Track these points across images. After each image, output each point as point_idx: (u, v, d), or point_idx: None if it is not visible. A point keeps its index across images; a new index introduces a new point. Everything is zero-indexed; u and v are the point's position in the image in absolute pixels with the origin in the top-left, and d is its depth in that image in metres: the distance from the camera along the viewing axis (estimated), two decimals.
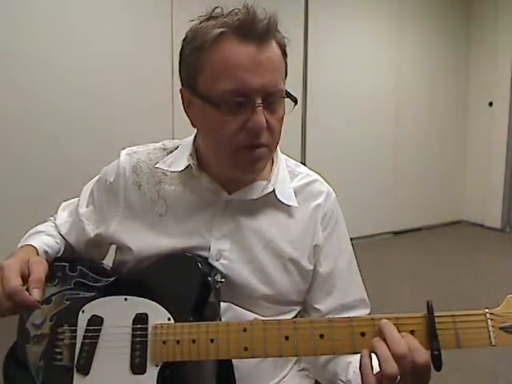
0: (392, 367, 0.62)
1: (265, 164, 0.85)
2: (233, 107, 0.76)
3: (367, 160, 4.36)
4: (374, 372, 0.65)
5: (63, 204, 1.06)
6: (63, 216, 1.02)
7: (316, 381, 0.99)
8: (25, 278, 0.78)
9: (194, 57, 0.78)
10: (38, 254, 0.88)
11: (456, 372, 2.17)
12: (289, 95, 0.81)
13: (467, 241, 4.56)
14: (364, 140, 4.32)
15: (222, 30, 0.75)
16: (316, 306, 0.92)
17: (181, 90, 0.84)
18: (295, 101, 0.82)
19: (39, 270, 0.80)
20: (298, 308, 0.94)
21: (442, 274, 3.52)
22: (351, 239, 0.97)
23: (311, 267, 0.91)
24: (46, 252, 0.91)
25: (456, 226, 5.01)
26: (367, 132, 4.33)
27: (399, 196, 4.60)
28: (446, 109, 4.89)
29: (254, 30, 0.74)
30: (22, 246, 0.90)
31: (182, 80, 0.84)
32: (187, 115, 0.86)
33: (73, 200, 1.04)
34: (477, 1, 4.83)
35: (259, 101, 0.75)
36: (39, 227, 1.00)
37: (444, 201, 4.97)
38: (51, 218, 1.05)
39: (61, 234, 0.99)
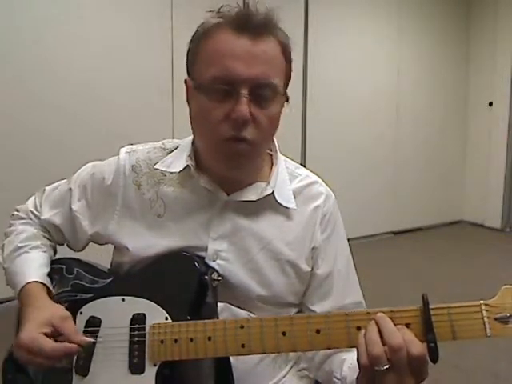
0: (377, 350, 0.63)
1: (250, 161, 0.83)
2: (219, 94, 0.77)
3: (367, 160, 4.36)
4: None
5: (37, 195, 1.01)
6: (46, 209, 0.98)
7: (316, 381, 0.99)
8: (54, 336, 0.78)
9: (193, 46, 0.82)
10: (45, 284, 0.87)
11: (456, 372, 2.17)
12: (277, 91, 0.80)
13: (467, 241, 4.55)
14: (364, 140, 4.32)
15: (218, 20, 0.78)
16: (312, 308, 0.92)
17: (185, 79, 0.86)
18: (286, 99, 0.83)
19: (69, 325, 0.79)
20: (295, 310, 0.94)
21: (442, 273, 3.52)
22: (351, 239, 0.97)
23: (309, 269, 0.91)
24: (48, 274, 0.90)
25: (456, 226, 5.01)
26: (367, 132, 4.33)
27: (399, 196, 4.60)
28: (446, 109, 4.88)
29: (249, 23, 0.76)
30: (26, 287, 0.86)
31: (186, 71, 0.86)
32: (189, 107, 0.86)
33: (49, 188, 1.00)
34: (477, 1, 4.83)
35: (245, 91, 0.76)
36: (21, 238, 0.94)
37: (444, 201, 4.97)
38: (18, 213, 1.00)
39: (46, 232, 0.98)
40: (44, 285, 0.87)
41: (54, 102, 2.91)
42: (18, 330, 0.88)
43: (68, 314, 0.81)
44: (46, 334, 0.76)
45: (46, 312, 0.80)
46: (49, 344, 0.75)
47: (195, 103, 0.82)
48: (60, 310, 0.82)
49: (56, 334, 0.78)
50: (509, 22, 4.53)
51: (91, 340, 0.79)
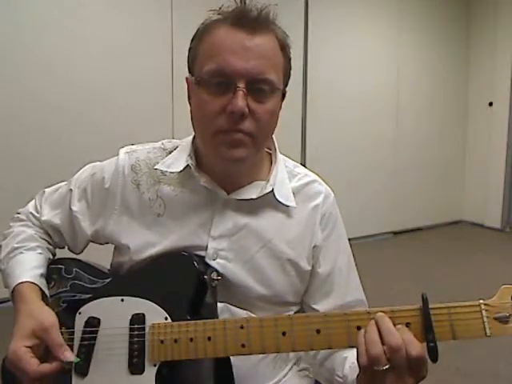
0: (377, 350, 0.63)
1: (246, 154, 0.81)
2: (216, 88, 0.78)
3: (367, 160, 4.36)
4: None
5: (38, 197, 1.01)
6: (46, 210, 0.98)
7: (316, 381, 0.99)
8: (41, 347, 0.78)
9: (193, 43, 0.83)
10: (36, 284, 0.86)
11: (457, 375, 2.17)
12: (275, 86, 0.80)
13: (467, 241, 4.55)
14: (364, 140, 4.32)
15: (217, 17, 0.80)
16: (314, 307, 0.92)
17: (186, 77, 0.86)
18: (284, 96, 0.84)
19: (53, 337, 0.78)
20: (295, 308, 0.94)
21: (442, 273, 3.52)
22: (351, 239, 0.97)
23: (309, 268, 0.91)
24: (41, 275, 0.89)
25: (456, 226, 5.01)
26: (367, 132, 4.33)
27: (399, 196, 4.60)
28: (446, 109, 4.89)
29: (246, 18, 0.77)
30: (17, 288, 0.85)
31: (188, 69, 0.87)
32: (189, 105, 0.87)
33: (49, 190, 1.01)
34: (477, 1, 4.83)
35: (241, 85, 0.76)
36: (18, 240, 0.94)
37: (444, 201, 4.97)
38: (18, 216, 1.00)
39: (45, 234, 0.98)
40: (36, 285, 0.86)
41: (53, 101, 2.91)
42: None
43: (54, 322, 0.79)
44: (31, 347, 0.76)
45: (32, 321, 0.79)
46: (31, 367, 0.75)
47: (194, 98, 0.83)
48: (46, 318, 0.79)
49: (42, 346, 0.77)
50: (509, 22, 4.53)
51: (74, 359, 0.78)
